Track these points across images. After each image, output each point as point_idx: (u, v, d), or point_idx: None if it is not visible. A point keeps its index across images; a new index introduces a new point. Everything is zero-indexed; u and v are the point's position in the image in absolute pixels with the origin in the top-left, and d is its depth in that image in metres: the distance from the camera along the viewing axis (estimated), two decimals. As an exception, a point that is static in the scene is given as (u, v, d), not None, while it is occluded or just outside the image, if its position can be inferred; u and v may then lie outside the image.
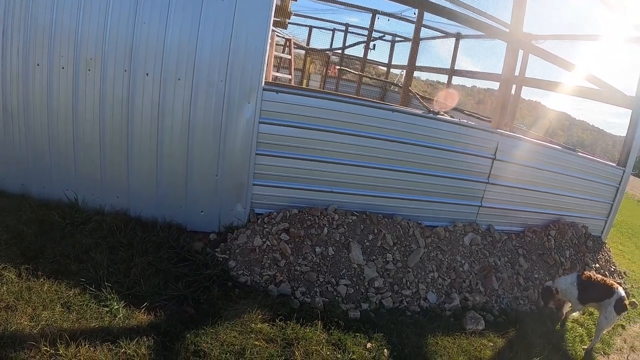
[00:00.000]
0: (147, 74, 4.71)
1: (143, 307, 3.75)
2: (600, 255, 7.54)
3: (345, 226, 5.29)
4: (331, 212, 5.37)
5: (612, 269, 7.59)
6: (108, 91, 4.75)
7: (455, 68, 13.29)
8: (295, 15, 15.71)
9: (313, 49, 16.10)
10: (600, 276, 5.38)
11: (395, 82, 15.65)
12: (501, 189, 6.50)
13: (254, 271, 4.62)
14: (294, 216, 5.18)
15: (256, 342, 3.62)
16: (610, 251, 8.10)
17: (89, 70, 4.71)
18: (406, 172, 5.79)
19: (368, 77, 17.09)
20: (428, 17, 10.26)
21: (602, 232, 8.17)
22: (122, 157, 4.95)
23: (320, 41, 18.21)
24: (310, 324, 4.04)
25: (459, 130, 5.92)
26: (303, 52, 16.13)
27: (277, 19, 7.56)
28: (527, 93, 10.77)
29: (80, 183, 5.05)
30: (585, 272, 5.32)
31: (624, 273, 8.01)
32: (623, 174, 8.01)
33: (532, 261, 6.35)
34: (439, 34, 14.02)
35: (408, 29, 15.20)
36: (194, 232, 5.14)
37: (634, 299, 6.90)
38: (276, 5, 5.85)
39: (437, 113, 5.86)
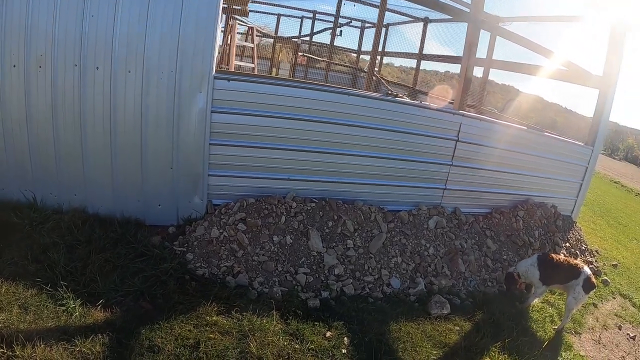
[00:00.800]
0: (97, 68, 4.60)
1: (99, 305, 3.70)
2: (571, 235, 7.60)
3: (303, 214, 5.25)
4: (289, 199, 5.33)
5: (583, 248, 7.65)
6: (60, 87, 4.62)
7: (424, 52, 13.24)
8: (264, 3, 15.72)
9: (281, 37, 16.00)
10: (563, 257, 5.39)
11: (365, 68, 15.59)
12: (466, 171, 6.50)
13: (212, 263, 4.58)
14: (251, 205, 5.13)
15: (211, 335, 3.59)
16: (581, 230, 8.16)
17: (40, 67, 4.57)
18: (366, 157, 5.76)
19: (335, 64, 17.03)
20: (392, 1, 10.25)
21: (572, 211, 8.22)
22: (77, 153, 4.84)
23: (289, 29, 18.14)
24: (267, 315, 4.00)
25: (419, 113, 5.89)
26: (272, 40, 16.02)
27: (236, 7, 7.47)
28: (501, 77, 10.81)
29: (37, 182, 4.92)
30: (547, 254, 5.33)
31: (596, 251, 8.09)
32: (591, 153, 8.04)
33: (500, 242, 6.36)
34: (408, 18, 14.00)
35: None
36: (153, 226, 5.07)
37: (605, 277, 6.98)
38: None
39: (396, 96, 5.82)
